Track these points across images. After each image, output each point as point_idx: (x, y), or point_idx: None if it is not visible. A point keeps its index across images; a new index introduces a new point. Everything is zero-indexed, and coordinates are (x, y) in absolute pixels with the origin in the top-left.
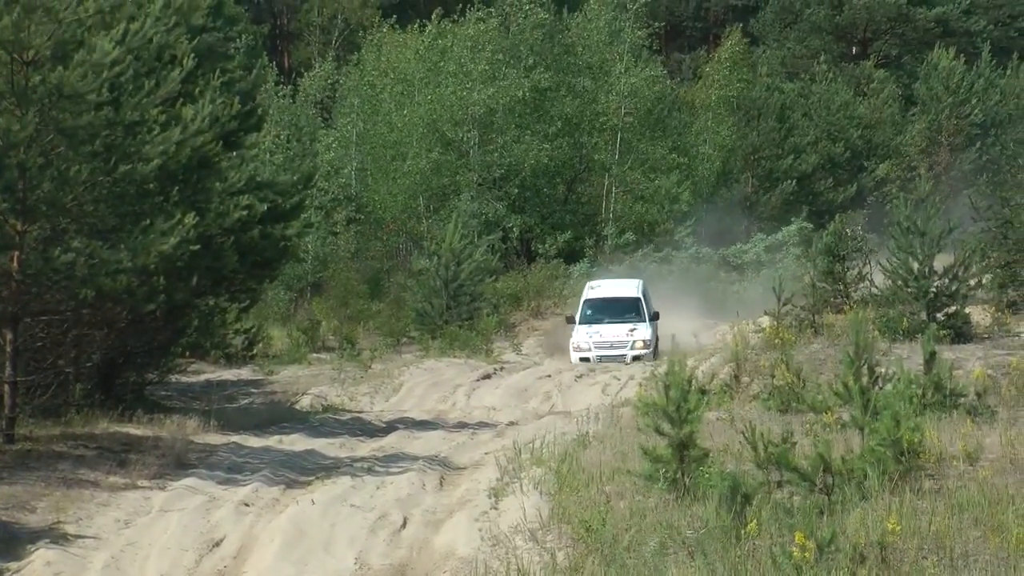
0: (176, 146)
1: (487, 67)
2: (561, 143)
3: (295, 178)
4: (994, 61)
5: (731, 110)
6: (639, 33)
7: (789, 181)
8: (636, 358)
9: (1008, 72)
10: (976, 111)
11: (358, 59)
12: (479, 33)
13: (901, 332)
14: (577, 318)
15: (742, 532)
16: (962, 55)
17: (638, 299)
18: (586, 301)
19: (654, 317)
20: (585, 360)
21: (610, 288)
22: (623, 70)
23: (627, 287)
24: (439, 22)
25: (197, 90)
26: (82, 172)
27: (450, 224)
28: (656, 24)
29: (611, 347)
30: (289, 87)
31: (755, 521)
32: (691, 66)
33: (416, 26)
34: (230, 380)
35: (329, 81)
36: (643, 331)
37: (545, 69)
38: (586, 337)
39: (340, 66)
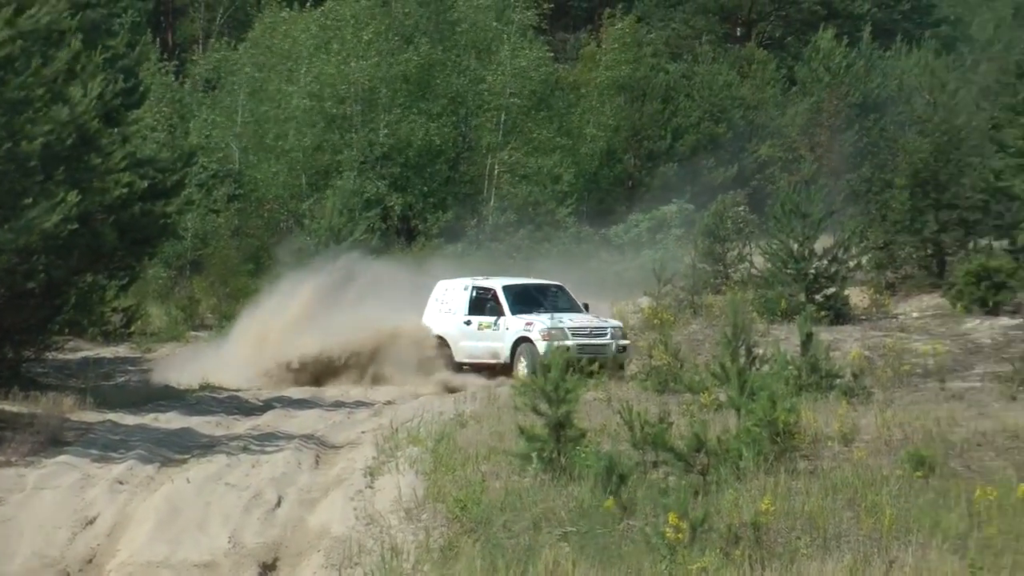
0: (62, 125)
1: (371, 38)
2: (445, 122)
3: (176, 155)
4: (877, 43)
5: (616, 91)
6: (527, 13)
7: (671, 164)
8: (622, 350)
9: (890, 54)
10: (856, 93)
11: (246, 37)
12: (363, 9)
13: (780, 313)
14: (505, 308)
15: (615, 511)
16: (845, 37)
17: (562, 288)
18: (506, 288)
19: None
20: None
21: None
22: (510, 51)
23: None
24: (325, 2)
25: (80, 67)
26: None
27: (328, 202)
28: (543, 4)
29: (590, 334)
30: (173, 64)
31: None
32: (575, 46)
33: (306, 5)
34: (107, 358)
35: (217, 59)
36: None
37: (430, 45)
38: (551, 322)
39: (228, 43)
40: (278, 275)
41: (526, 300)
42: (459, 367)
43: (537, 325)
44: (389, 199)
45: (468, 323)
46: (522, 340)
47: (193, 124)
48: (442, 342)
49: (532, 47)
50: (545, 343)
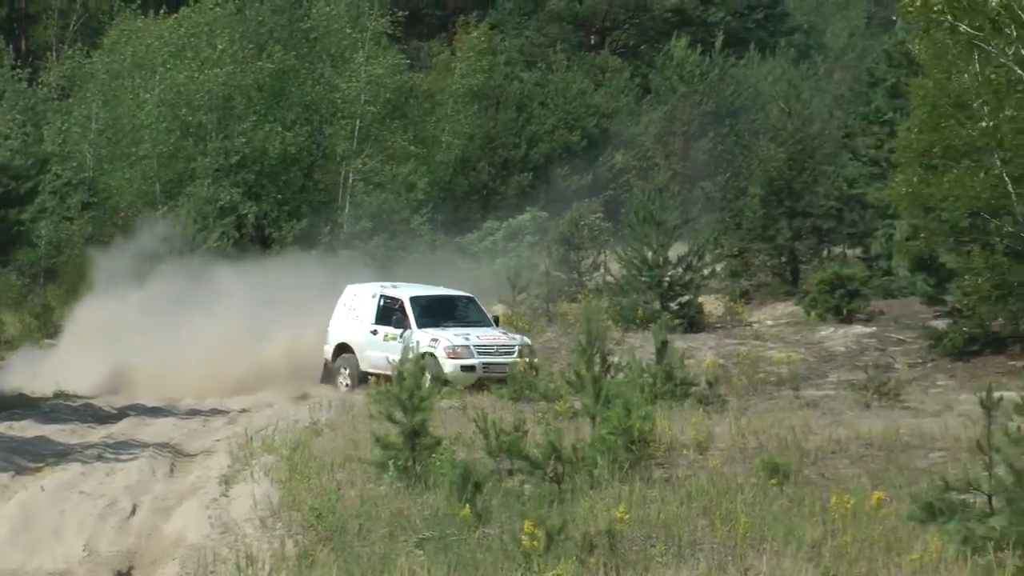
0: None
1: (225, 48)
2: (300, 131)
3: (30, 162)
4: (731, 51)
5: (471, 99)
6: (381, 20)
7: (526, 173)
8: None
9: (743, 62)
10: (710, 101)
11: (99, 44)
12: (217, 17)
13: (635, 321)
14: (412, 319)
15: (470, 519)
16: (699, 45)
17: (472, 299)
18: (414, 298)
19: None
20: (468, 370)
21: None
22: (364, 59)
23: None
24: (179, 9)
25: None
26: None
27: (182, 209)
28: (397, 12)
29: (497, 352)
30: (27, 70)
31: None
32: (430, 54)
33: (160, 13)
34: None
35: (67, 65)
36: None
37: (284, 52)
38: (457, 339)
39: (82, 50)
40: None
41: (435, 312)
42: (365, 377)
43: (443, 341)
44: (243, 207)
45: (375, 332)
46: (425, 356)
47: (47, 131)
48: (345, 349)
49: (387, 54)
50: (451, 361)
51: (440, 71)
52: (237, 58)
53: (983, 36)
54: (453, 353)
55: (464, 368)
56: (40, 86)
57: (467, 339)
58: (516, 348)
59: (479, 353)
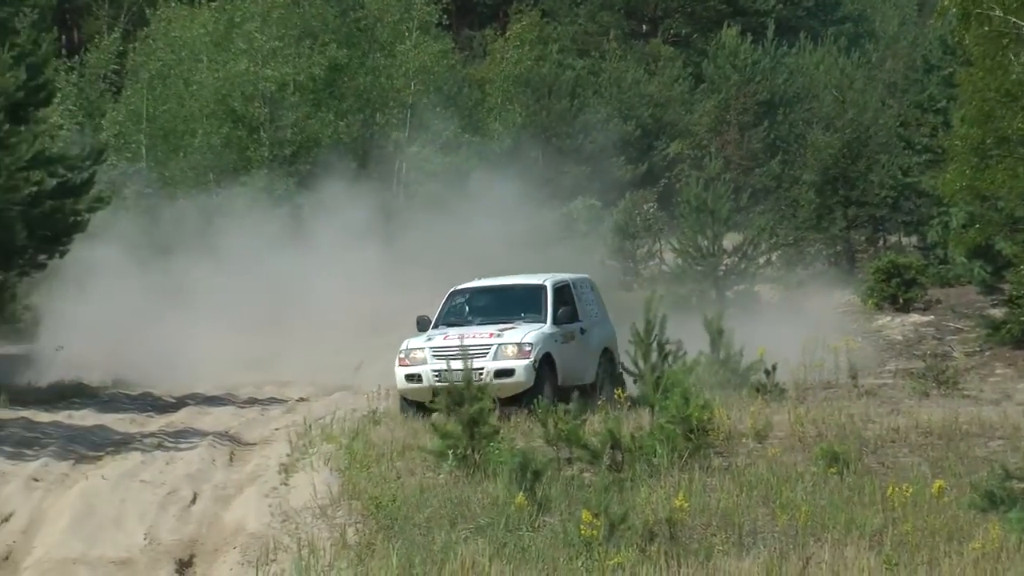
0: None
1: (279, 43)
2: (353, 120)
3: (85, 152)
4: (782, 40)
5: (521, 87)
6: (428, 9)
7: (580, 160)
8: (503, 374)
9: (795, 51)
10: (763, 90)
11: (147, 34)
12: (269, 7)
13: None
14: (434, 319)
15: (530, 508)
16: (750, 34)
17: (541, 289)
18: (454, 292)
19: (564, 318)
20: (414, 380)
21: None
22: (412, 46)
23: (532, 277)
24: None
25: None
26: None
27: (238, 199)
28: (446, 1)
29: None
30: (77, 61)
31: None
32: (481, 43)
33: (204, 1)
34: (19, 355)
35: (114, 54)
36: (521, 331)
37: (339, 46)
38: (422, 342)
39: (130, 40)
40: None
41: (477, 306)
42: None
43: (412, 344)
44: (298, 196)
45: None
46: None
47: (105, 121)
48: None
49: (435, 42)
50: (400, 370)
51: (492, 60)
52: (291, 51)
53: None
54: (405, 361)
55: (409, 378)
56: (95, 77)
57: (428, 340)
58: (494, 348)
59: (435, 356)
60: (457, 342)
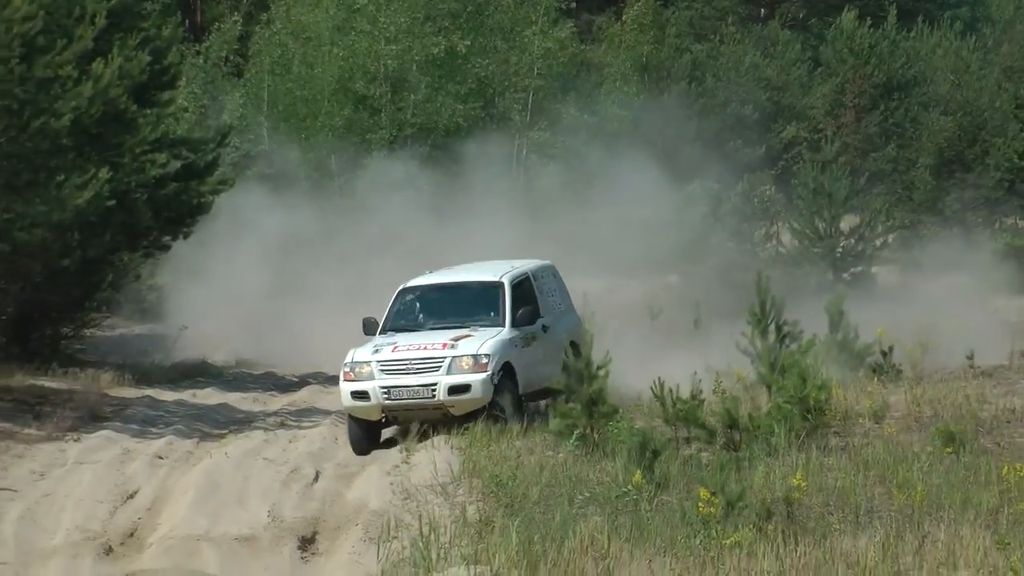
0: (88, 101)
1: (403, 21)
2: (473, 104)
3: (210, 135)
4: (900, 24)
5: (639, 71)
6: None
7: (698, 143)
8: (459, 390)
9: (913, 35)
10: (880, 74)
11: (268, 17)
12: None
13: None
14: (383, 321)
15: (648, 486)
16: (868, 18)
17: (498, 287)
18: (404, 290)
19: (524, 320)
20: (360, 398)
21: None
22: (536, 32)
23: (487, 270)
24: None
25: (114, 48)
26: None
27: (359, 181)
28: None
29: (412, 370)
30: (202, 44)
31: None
32: (601, 27)
33: None
34: (144, 335)
35: (234, 37)
36: (477, 340)
37: (460, 32)
38: (368, 355)
39: (251, 23)
40: None
41: (428, 308)
42: None
43: (359, 357)
44: (419, 179)
45: None
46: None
47: (227, 103)
48: None
49: (558, 27)
50: (346, 385)
51: (609, 44)
52: (413, 33)
53: None
54: (349, 375)
55: (355, 395)
56: (215, 60)
57: (376, 351)
58: (447, 362)
59: (383, 372)
60: (406, 355)
